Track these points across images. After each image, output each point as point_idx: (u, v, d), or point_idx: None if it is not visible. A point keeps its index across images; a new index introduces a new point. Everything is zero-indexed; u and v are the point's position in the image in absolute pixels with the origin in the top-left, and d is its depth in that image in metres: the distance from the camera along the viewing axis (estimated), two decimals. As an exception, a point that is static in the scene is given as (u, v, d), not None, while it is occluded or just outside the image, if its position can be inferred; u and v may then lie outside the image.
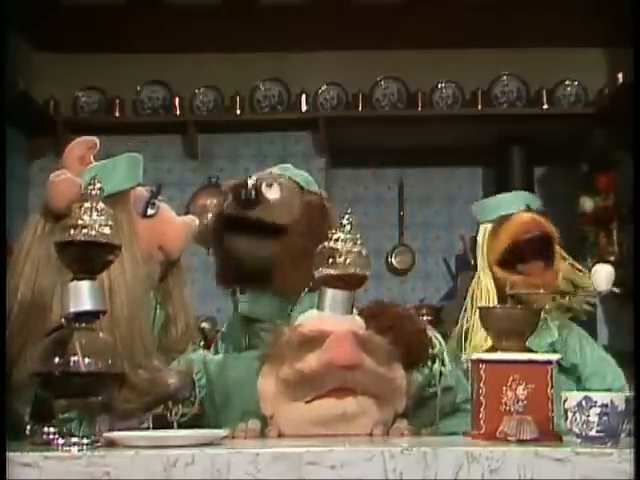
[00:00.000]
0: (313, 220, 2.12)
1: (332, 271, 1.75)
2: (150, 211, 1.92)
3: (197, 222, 2.04)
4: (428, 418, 1.91)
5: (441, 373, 1.93)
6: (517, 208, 2.50)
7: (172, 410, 1.87)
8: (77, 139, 1.93)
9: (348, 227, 1.79)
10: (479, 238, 2.49)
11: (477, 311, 2.03)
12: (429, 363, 1.92)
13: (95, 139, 1.93)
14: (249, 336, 2.15)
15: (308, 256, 1.81)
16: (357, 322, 1.76)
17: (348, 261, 1.75)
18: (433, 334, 1.95)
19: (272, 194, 2.13)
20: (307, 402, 1.68)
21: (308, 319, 1.77)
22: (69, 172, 1.84)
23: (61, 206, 1.74)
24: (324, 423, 1.68)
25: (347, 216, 1.80)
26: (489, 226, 2.51)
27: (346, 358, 1.65)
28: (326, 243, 1.77)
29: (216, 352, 2.21)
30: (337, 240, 1.77)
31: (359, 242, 1.78)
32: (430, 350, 1.90)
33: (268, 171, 2.24)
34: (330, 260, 1.75)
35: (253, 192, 2.10)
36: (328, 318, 1.74)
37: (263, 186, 2.12)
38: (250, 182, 2.11)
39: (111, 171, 1.86)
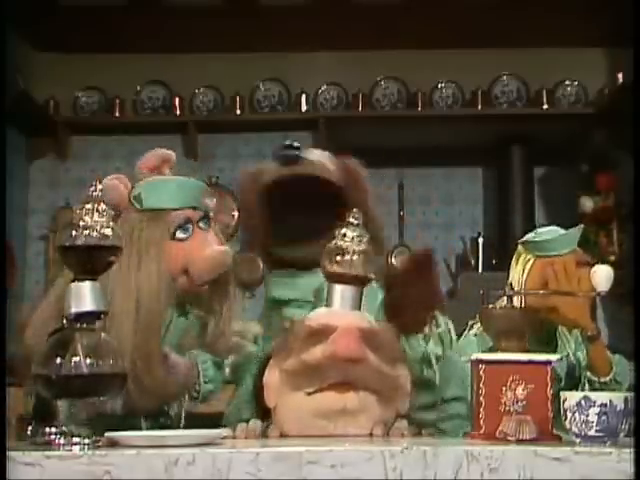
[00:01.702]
0: (352, 176, 2.30)
1: (339, 269, 1.76)
2: (180, 235, 1.93)
3: (230, 253, 2.00)
4: (427, 400, 1.90)
5: (437, 357, 1.92)
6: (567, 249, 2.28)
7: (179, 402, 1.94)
8: (152, 151, 1.98)
9: (355, 225, 1.81)
10: (519, 267, 2.26)
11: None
12: (424, 342, 1.90)
13: (171, 153, 1.98)
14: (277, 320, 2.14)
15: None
16: (365, 318, 1.77)
17: (355, 259, 1.77)
18: (438, 315, 1.94)
19: (311, 155, 2.23)
20: (309, 394, 1.69)
21: (316, 314, 1.78)
22: (139, 177, 1.93)
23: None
24: (324, 416, 1.69)
25: (355, 215, 1.82)
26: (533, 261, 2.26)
27: (349, 352, 1.66)
28: (334, 241, 1.79)
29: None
30: (345, 238, 1.79)
31: (365, 241, 1.80)
32: (431, 329, 1.89)
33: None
34: (338, 258, 1.77)
35: (297, 151, 2.19)
36: (336, 313, 1.76)
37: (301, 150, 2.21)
38: (290, 142, 2.21)
39: (158, 188, 1.92)
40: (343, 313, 1.76)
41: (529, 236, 2.29)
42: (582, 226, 2.28)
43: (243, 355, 2.06)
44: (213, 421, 1.92)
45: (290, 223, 2.16)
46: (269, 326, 2.18)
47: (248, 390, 1.92)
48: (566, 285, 2.11)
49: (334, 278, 1.79)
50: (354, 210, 1.84)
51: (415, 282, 1.84)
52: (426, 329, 1.89)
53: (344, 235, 1.80)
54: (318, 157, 2.24)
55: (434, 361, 1.91)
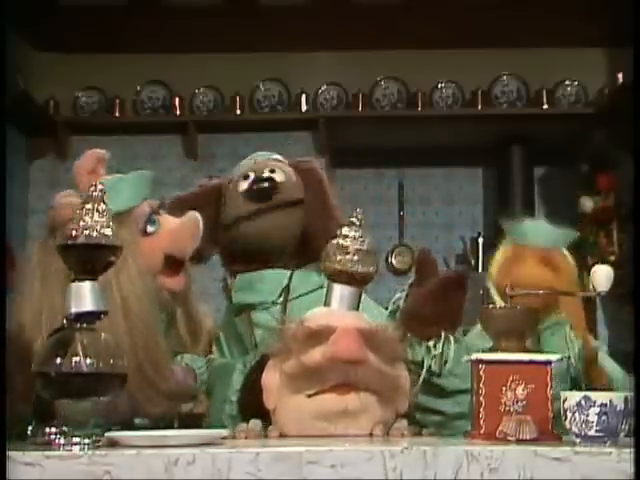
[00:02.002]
0: (314, 186, 2.23)
1: (339, 267, 1.77)
2: (150, 228, 1.95)
3: (197, 217, 2.04)
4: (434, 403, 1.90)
5: (431, 372, 1.92)
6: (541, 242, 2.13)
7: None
8: (87, 152, 1.96)
9: (358, 225, 1.81)
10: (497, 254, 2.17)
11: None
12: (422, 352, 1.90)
13: (104, 151, 1.97)
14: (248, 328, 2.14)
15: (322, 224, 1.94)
16: (363, 319, 1.77)
17: (356, 258, 1.77)
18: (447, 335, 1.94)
19: (279, 177, 2.18)
20: (309, 396, 1.69)
21: (315, 314, 1.78)
22: (80, 185, 1.89)
23: (62, 225, 1.78)
24: (325, 418, 1.68)
25: (356, 214, 1.82)
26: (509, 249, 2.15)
27: (350, 353, 1.66)
28: (335, 240, 1.79)
29: (221, 354, 2.19)
30: (346, 237, 1.79)
31: (367, 240, 1.80)
32: (434, 346, 1.89)
33: (249, 160, 2.28)
34: (338, 256, 1.77)
35: (269, 183, 2.15)
36: (335, 313, 1.75)
37: (273, 174, 2.17)
38: (265, 175, 2.17)
39: (116, 190, 1.88)
40: (342, 313, 1.76)
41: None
42: (577, 234, 2.14)
43: (213, 366, 2.06)
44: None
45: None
46: (234, 332, 2.17)
47: (222, 399, 1.92)
48: (523, 278, 2.03)
49: (333, 277, 1.79)
50: (356, 210, 1.84)
51: (447, 298, 1.85)
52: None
53: (345, 234, 1.80)
54: (284, 177, 2.19)
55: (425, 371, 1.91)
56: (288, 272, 2.14)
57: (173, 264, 2.00)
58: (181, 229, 2.01)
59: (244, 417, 1.79)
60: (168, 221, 2.00)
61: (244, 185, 2.18)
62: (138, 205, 1.93)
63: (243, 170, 2.24)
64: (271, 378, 1.73)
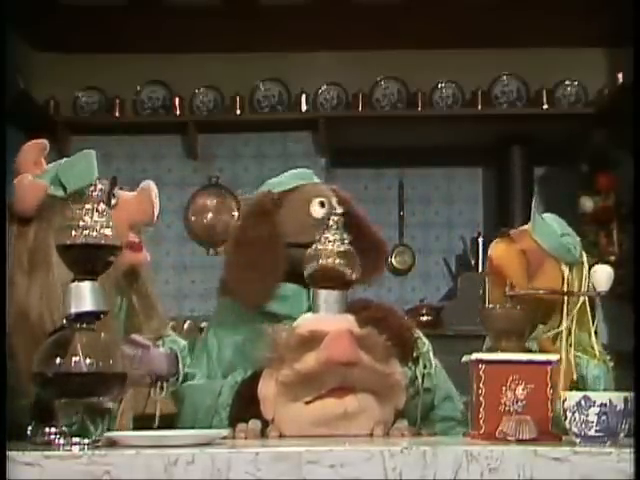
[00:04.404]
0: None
1: (321, 272, 1.76)
2: (113, 201, 1.92)
3: (152, 185, 2.02)
4: (411, 417, 1.89)
5: (423, 375, 1.94)
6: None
7: (157, 387, 1.94)
8: (29, 143, 1.93)
9: (334, 227, 1.80)
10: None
11: None
12: (411, 365, 1.92)
13: (45, 141, 1.94)
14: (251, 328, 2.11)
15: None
16: (351, 321, 1.77)
17: (337, 261, 1.77)
18: (419, 334, 1.96)
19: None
20: (307, 403, 1.69)
21: (305, 320, 1.78)
22: (24, 172, 1.87)
23: (30, 210, 1.80)
24: (325, 423, 1.68)
25: (333, 217, 1.82)
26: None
27: (344, 355, 1.66)
28: (315, 245, 1.79)
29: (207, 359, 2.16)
30: (325, 241, 1.78)
31: (346, 242, 1.79)
32: (416, 350, 1.91)
33: (304, 181, 2.19)
34: (320, 261, 1.77)
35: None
36: (324, 318, 1.75)
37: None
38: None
39: (70, 171, 1.87)
40: (331, 318, 1.76)
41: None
42: (569, 236, 2.06)
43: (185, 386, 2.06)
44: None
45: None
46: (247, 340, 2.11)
47: (208, 414, 1.93)
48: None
49: (317, 283, 1.78)
50: (333, 212, 1.83)
51: (388, 322, 1.84)
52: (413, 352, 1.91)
53: (325, 238, 1.79)
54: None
55: (421, 380, 1.93)
56: None
57: (133, 245, 1.98)
58: (140, 196, 2.00)
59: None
60: (125, 194, 2.00)
61: (320, 213, 2.11)
62: (92, 183, 1.92)
63: (310, 195, 2.15)
64: (267, 388, 1.72)
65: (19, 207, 1.81)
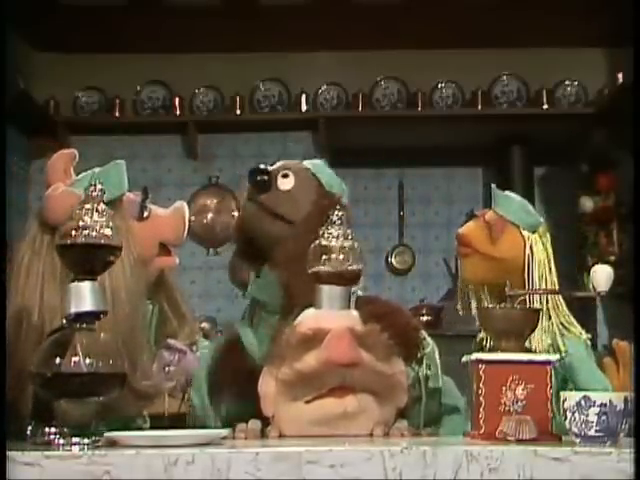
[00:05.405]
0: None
1: (326, 268, 1.75)
2: (146, 213, 1.97)
3: (186, 206, 2.07)
4: (414, 421, 1.89)
5: (427, 377, 1.93)
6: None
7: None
8: (58, 152, 1.95)
9: (338, 223, 1.79)
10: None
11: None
12: (415, 366, 1.91)
13: (75, 151, 1.96)
14: (259, 323, 2.10)
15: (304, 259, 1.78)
16: (355, 318, 1.76)
17: (342, 257, 1.76)
18: (424, 335, 1.95)
19: (285, 185, 2.03)
20: (307, 402, 1.68)
21: (306, 317, 1.77)
22: (52, 185, 1.87)
23: (62, 219, 1.75)
24: (325, 423, 1.68)
25: (336, 212, 1.80)
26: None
27: (344, 356, 1.65)
28: (318, 241, 1.77)
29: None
30: (329, 237, 1.77)
31: (350, 237, 1.78)
32: (421, 351, 1.90)
33: (296, 161, 2.15)
34: (324, 257, 1.75)
35: (265, 177, 2.02)
36: (325, 315, 1.74)
37: (279, 175, 2.04)
38: (262, 166, 2.05)
39: (105, 181, 1.87)
40: (333, 315, 1.74)
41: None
42: (526, 205, 2.18)
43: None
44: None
45: None
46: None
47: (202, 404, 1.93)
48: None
49: (321, 278, 1.77)
50: (337, 207, 1.82)
51: (394, 319, 1.84)
52: (418, 352, 1.90)
53: (328, 233, 1.78)
54: (287, 189, 2.04)
55: (424, 381, 1.92)
56: None
57: (162, 250, 2.01)
58: (174, 216, 2.04)
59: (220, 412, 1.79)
60: (157, 209, 2.02)
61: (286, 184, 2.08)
62: (125, 193, 1.94)
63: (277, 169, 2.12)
64: (267, 386, 1.72)
65: (52, 216, 1.79)
